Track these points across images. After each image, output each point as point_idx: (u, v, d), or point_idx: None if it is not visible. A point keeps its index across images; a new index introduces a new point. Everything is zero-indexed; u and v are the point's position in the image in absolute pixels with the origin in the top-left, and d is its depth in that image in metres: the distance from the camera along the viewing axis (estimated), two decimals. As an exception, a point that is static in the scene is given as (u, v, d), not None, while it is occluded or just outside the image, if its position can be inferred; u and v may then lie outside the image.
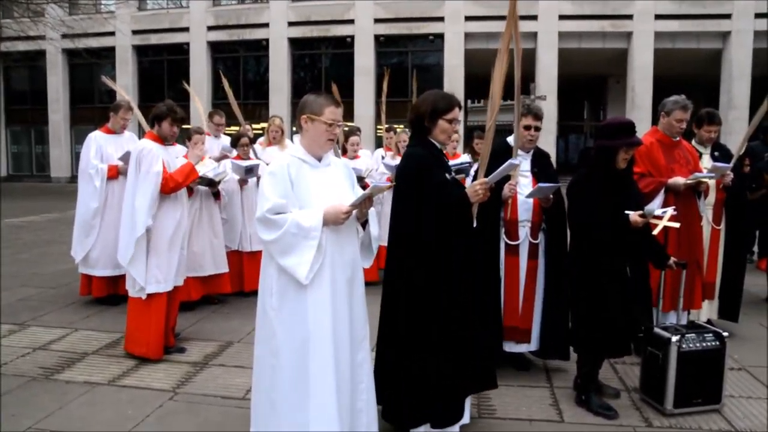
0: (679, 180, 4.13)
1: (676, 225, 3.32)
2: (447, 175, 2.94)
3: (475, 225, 3.03)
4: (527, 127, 3.77)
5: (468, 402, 3.12)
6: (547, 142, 22.29)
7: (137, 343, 4.22)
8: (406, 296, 2.85)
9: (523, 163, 3.79)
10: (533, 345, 3.93)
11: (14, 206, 15.19)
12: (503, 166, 3.18)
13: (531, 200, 3.80)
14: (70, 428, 3.20)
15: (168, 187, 4.19)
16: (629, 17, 21.30)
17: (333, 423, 2.50)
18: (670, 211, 3.31)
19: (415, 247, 2.83)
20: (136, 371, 4.02)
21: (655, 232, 3.29)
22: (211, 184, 5.20)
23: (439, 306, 2.83)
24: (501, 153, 3.82)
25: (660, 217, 3.26)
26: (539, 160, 3.94)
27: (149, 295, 4.16)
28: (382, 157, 6.84)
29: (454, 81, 21.17)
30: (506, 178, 3.43)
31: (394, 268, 2.94)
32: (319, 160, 2.70)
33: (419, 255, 2.82)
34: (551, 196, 3.78)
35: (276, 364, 2.55)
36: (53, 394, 3.63)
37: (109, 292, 5.60)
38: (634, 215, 3.24)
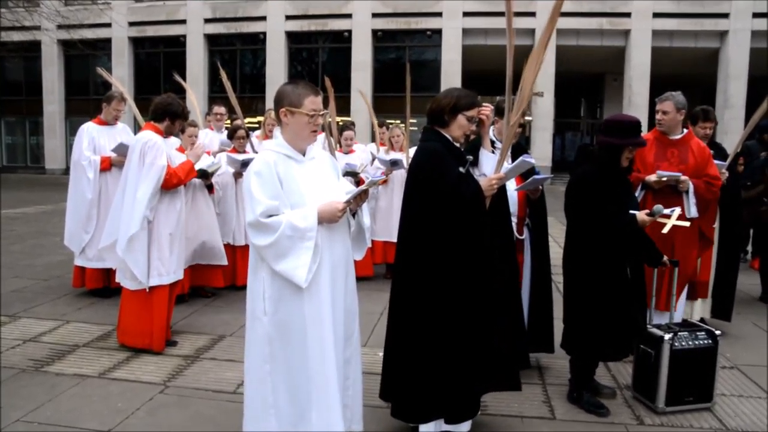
0: (651, 177, 4.05)
1: (686, 224, 3.31)
2: (461, 168, 2.91)
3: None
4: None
5: None
6: (544, 140, 22.35)
7: (137, 335, 4.19)
8: (420, 290, 2.82)
9: (520, 167, 3.75)
10: None
11: (8, 197, 15.10)
12: (516, 162, 3.18)
13: (516, 195, 3.80)
14: (59, 421, 3.18)
15: (171, 183, 4.17)
16: (627, 15, 21.31)
17: (338, 423, 2.47)
18: (678, 210, 3.30)
19: (430, 240, 2.80)
20: (127, 364, 4.00)
21: (665, 230, 3.28)
22: (205, 176, 5.17)
23: (454, 299, 2.81)
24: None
25: (668, 216, 3.25)
26: (518, 154, 3.93)
27: (152, 288, 4.14)
28: (373, 157, 6.75)
29: (451, 77, 21.15)
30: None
31: (407, 262, 2.90)
32: (303, 153, 2.60)
33: (434, 248, 2.80)
34: (540, 186, 3.79)
35: (273, 370, 2.49)
36: (43, 387, 3.60)
37: (103, 284, 5.57)
38: (641, 214, 3.22)
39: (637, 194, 4.03)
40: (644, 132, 4.17)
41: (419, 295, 2.83)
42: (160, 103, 4.29)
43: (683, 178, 4.06)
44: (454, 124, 2.93)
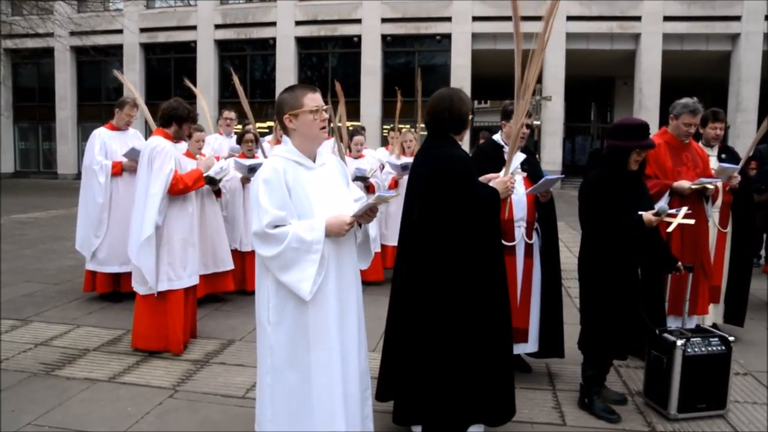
0: (684, 183, 4.10)
1: (691, 222, 3.30)
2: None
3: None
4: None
5: None
6: (554, 144, 22.31)
7: (151, 339, 4.20)
8: (436, 295, 2.79)
9: (515, 161, 3.73)
10: (531, 345, 3.89)
11: (20, 202, 15.27)
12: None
13: (525, 199, 3.78)
14: (69, 425, 3.19)
15: (177, 188, 4.18)
16: (637, 19, 21.24)
17: None
18: (684, 209, 3.28)
19: (454, 246, 2.78)
20: (137, 368, 4.01)
21: (670, 229, 3.27)
22: (212, 182, 5.19)
23: (476, 303, 2.79)
24: (491, 152, 3.85)
25: (674, 215, 3.23)
26: (528, 158, 3.92)
27: (164, 292, 4.16)
28: (382, 167, 6.73)
29: (460, 81, 21.14)
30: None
31: (425, 268, 2.84)
32: (314, 160, 2.57)
33: (458, 253, 2.78)
34: (551, 189, 3.78)
35: (273, 382, 2.46)
36: (53, 391, 3.62)
37: (113, 288, 5.60)
38: (647, 215, 3.22)
39: (664, 200, 4.03)
40: (652, 133, 4.19)
41: (441, 299, 2.78)
42: (166, 108, 4.31)
43: (717, 182, 4.19)
44: (467, 127, 3.00)
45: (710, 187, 4.12)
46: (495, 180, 2.96)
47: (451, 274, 2.80)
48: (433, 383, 2.81)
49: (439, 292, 2.81)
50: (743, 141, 17.89)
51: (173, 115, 4.28)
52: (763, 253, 7.43)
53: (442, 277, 2.81)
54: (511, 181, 2.92)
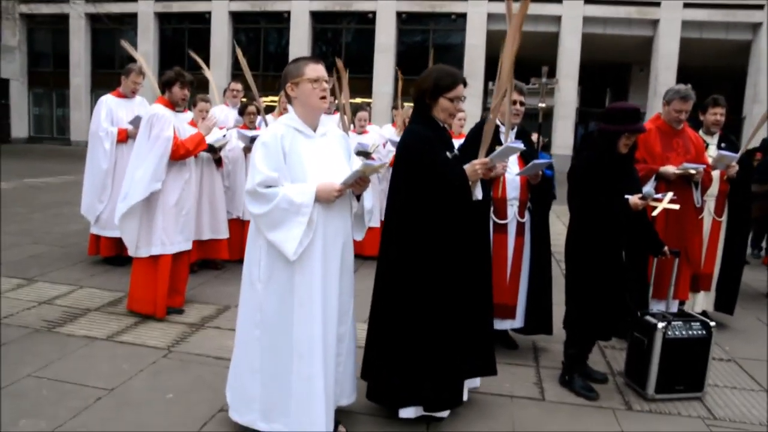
0: (669, 169, 4.13)
1: (676, 207, 3.34)
2: (448, 153, 2.92)
3: (481, 197, 3.00)
4: (513, 102, 3.70)
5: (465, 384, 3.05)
6: (566, 128, 22.13)
7: (143, 302, 4.32)
8: (403, 274, 2.82)
9: (513, 151, 3.73)
10: (518, 321, 3.98)
11: (33, 167, 15.47)
12: (502, 148, 3.16)
13: (518, 179, 3.82)
14: (66, 378, 3.33)
15: (178, 154, 4.26)
16: (657, 4, 20.88)
17: (319, 397, 2.52)
18: (670, 194, 3.33)
19: (413, 224, 2.80)
20: (134, 329, 4.14)
21: (655, 213, 3.32)
22: (212, 150, 5.25)
23: (437, 284, 2.81)
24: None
25: (660, 200, 3.28)
26: (522, 138, 3.92)
27: (156, 256, 4.26)
28: (386, 144, 6.76)
29: (474, 61, 20.98)
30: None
31: (391, 245, 2.90)
32: (315, 129, 2.66)
33: (417, 232, 2.79)
34: (540, 172, 3.80)
35: (262, 336, 2.59)
36: (54, 346, 3.76)
37: (116, 252, 5.73)
38: (633, 198, 3.28)
39: (650, 185, 4.06)
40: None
41: (403, 278, 2.82)
42: (161, 79, 4.45)
43: (701, 168, 4.16)
44: (437, 108, 2.89)
45: (693, 172, 4.11)
46: (469, 163, 2.91)
47: (412, 251, 2.80)
48: (388, 357, 2.85)
49: (400, 267, 2.83)
50: (759, 132, 17.65)
51: (163, 82, 4.39)
52: (764, 245, 7.43)
53: (404, 253, 2.82)
54: (482, 167, 2.87)
